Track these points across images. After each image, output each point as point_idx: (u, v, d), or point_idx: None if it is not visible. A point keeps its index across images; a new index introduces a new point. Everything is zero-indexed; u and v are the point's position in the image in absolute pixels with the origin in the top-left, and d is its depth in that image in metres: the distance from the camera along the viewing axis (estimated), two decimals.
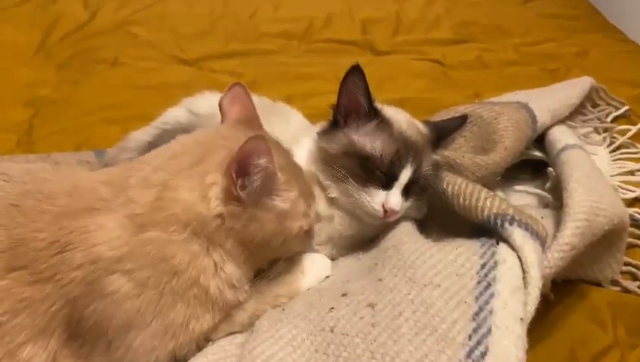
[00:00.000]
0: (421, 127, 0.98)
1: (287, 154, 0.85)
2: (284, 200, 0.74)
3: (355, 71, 0.90)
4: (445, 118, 1.06)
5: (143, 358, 0.70)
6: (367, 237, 0.94)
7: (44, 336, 0.67)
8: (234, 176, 0.68)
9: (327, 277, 0.87)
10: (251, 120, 0.83)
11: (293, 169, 0.81)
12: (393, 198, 0.88)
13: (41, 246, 0.67)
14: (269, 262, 0.82)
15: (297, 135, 0.99)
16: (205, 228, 0.70)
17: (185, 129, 1.03)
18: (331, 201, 0.93)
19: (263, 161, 0.68)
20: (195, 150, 0.75)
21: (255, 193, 0.71)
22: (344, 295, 0.76)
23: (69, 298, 0.67)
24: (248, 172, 0.69)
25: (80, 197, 0.72)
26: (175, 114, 1.10)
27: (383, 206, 0.88)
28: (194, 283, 0.70)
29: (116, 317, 0.68)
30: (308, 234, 0.82)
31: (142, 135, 1.12)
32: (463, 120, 1.02)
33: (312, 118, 1.13)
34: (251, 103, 0.84)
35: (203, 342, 0.75)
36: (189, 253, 0.70)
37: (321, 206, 0.93)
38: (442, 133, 1.00)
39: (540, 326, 0.74)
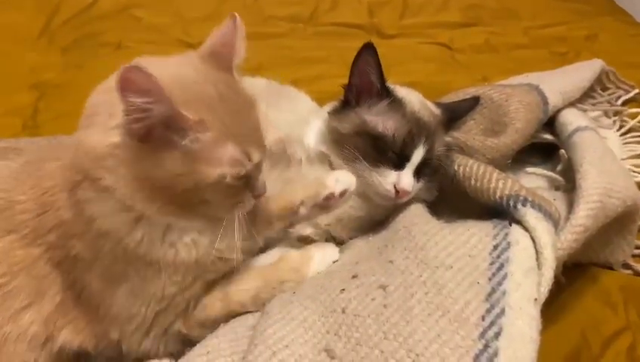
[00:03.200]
0: (433, 108, 0.97)
1: (229, 91, 0.68)
2: (194, 140, 0.62)
3: (368, 49, 0.88)
4: (456, 99, 1.05)
5: (126, 325, 0.71)
6: (376, 219, 0.93)
7: (38, 300, 0.69)
8: (124, 111, 0.59)
9: (335, 262, 0.86)
10: (223, 56, 0.70)
11: (228, 109, 0.66)
12: (405, 179, 0.88)
13: (23, 209, 0.69)
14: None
15: (306, 117, 0.98)
16: (100, 165, 0.63)
17: None
18: None
19: (140, 100, 0.57)
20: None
21: (155, 129, 0.60)
22: (354, 277, 0.75)
23: (54, 262, 0.69)
24: (130, 108, 0.58)
25: (61, 158, 0.72)
26: None
27: (395, 186, 0.87)
28: (122, 245, 0.67)
29: (92, 284, 0.69)
30: (239, 189, 0.69)
31: None
32: (475, 101, 1.01)
33: (318, 101, 1.12)
34: (232, 38, 0.70)
35: (191, 310, 0.75)
36: (101, 211, 0.65)
37: None
38: (454, 115, 0.99)
39: (551, 310, 0.74)
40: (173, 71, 0.64)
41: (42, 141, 1.22)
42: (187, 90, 0.63)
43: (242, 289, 0.78)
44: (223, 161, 0.64)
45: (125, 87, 0.57)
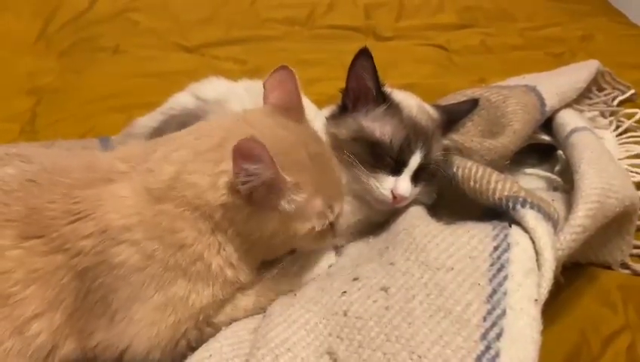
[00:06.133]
0: (431, 111, 0.97)
1: (313, 146, 0.78)
2: (290, 201, 0.71)
3: (363, 54, 0.89)
4: (454, 101, 1.05)
5: (144, 332, 0.70)
6: (375, 222, 0.94)
7: (51, 310, 0.68)
8: (235, 172, 0.67)
9: (330, 266, 0.87)
10: (292, 107, 0.80)
11: (316, 166, 0.76)
12: (402, 184, 0.88)
13: (53, 216, 0.68)
14: (282, 254, 0.81)
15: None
16: (212, 214, 0.70)
17: (192, 114, 1.02)
18: None
19: (253, 167, 0.65)
20: (217, 133, 0.74)
21: (257, 191, 0.69)
22: (355, 279, 0.75)
23: (78, 270, 0.67)
24: (241, 173, 0.66)
25: (96, 170, 0.73)
26: (181, 99, 1.09)
27: (392, 192, 0.87)
28: (198, 258, 0.70)
29: (121, 290, 0.68)
30: (324, 233, 0.79)
31: (148, 121, 1.11)
32: (473, 104, 1.01)
33: (316, 104, 1.11)
34: (295, 89, 0.80)
35: (204, 325, 0.74)
36: (197, 230, 0.70)
37: None
38: (453, 117, 0.99)
39: (550, 310, 0.74)
40: (272, 133, 0.73)
41: (40, 147, 1.22)
42: (286, 154, 0.71)
43: (247, 293, 0.78)
44: (312, 216, 0.74)
45: (243, 154, 0.65)
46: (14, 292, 0.66)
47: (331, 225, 0.79)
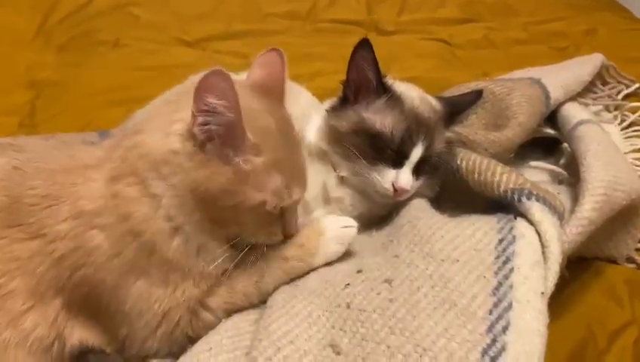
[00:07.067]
0: (434, 102, 0.96)
1: (284, 126, 0.74)
2: (247, 161, 0.66)
3: (364, 45, 0.87)
4: (458, 94, 1.04)
5: (136, 322, 0.70)
6: (377, 215, 0.93)
7: (40, 303, 0.67)
8: (194, 111, 0.64)
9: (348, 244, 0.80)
10: (273, 88, 0.76)
11: (284, 146, 0.72)
12: (403, 177, 0.87)
13: (33, 202, 0.68)
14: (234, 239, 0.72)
15: (308, 112, 0.97)
16: (153, 170, 0.67)
17: None
18: (341, 180, 0.92)
19: (216, 102, 0.62)
20: (176, 96, 0.74)
21: (214, 138, 0.65)
22: (359, 271, 0.74)
23: (55, 257, 0.67)
24: (202, 109, 0.63)
25: (78, 157, 0.73)
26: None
27: (393, 185, 0.86)
28: (153, 246, 0.68)
29: (107, 280, 0.68)
30: (272, 220, 0.73)
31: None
32: (477, 95, 1.01)
33: (317, 98, 1.11)
34: (281, 72, 0.77)
35: (199, 307, 0.73)
36: (144, 213, 0.67)
37: (331, 185, 0.92)
38: (456, 109, 0.98)
39: (556, 304, 0.72)
40: (242, 100, 0.67)
41: (39, 140, 1.21)
42: (250, 115, 0.66)
43: (246, 273, 0.76)
44: (267, 189, 0.69)
45: (207, 87, 0.61)
46: (2, 284, 0.66)
47: (282, 214, 0.73)
